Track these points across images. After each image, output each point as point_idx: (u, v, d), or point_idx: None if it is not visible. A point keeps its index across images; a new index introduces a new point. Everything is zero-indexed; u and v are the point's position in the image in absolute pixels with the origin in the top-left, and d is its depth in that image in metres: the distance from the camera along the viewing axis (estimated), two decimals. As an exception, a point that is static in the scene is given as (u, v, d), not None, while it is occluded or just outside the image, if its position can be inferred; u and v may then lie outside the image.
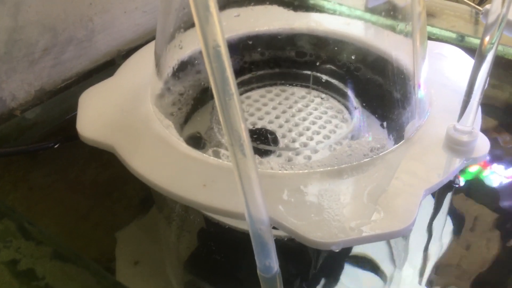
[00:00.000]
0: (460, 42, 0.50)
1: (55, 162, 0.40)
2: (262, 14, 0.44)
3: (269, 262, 0.25)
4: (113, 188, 0.38)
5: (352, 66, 0.41)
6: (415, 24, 0.33)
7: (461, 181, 0.38)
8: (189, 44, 0.38)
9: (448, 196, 0.37)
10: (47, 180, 0.39)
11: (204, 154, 0.33)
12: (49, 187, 0.38)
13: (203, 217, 0.36)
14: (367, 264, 0.34)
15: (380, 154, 0.32)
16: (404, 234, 0.28)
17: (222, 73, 0.22)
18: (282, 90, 0.43)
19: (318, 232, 0.27)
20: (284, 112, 0.40)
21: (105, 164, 0.39)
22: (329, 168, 0.31)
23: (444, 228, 0.36)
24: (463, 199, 0.37)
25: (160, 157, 0.33)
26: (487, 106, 0.34)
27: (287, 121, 0.39)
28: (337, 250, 0.27)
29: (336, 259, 0.33)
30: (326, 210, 0.29)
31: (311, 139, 0.37)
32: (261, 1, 0.44)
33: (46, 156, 0.40)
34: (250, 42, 0.43)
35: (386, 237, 0.28)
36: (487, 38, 0.29)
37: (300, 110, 0.40)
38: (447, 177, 0.31)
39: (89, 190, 0.38)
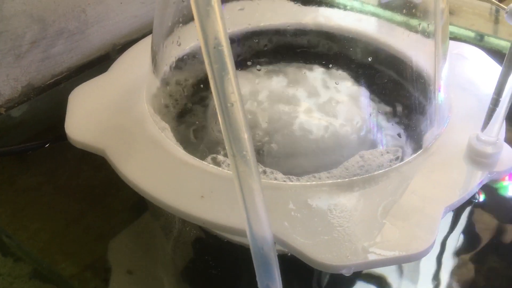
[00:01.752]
0: (479, 42, 0.47)
1: (44, 164, 0.38)
2: (268, 8, 0.42)
3: (271, 284, 0.23)
4: (105, 192, 0.37)
5: (363, 66, 0.39)
6: (437, 21, 0.30)
7: (481, 196, 0.35)
8: (188, 40, 0.36)
9: (466, 211, 0.35)
10: (35, 182, 0.37)
11: (203, 161, 0.30)
12: (37, 190, 0.36)
13: (200, 227, 0.33)
14: (375, 280, 0.31)
15: (395, 165, 0.30)
16: (423, 257, 0.26)
17: (224, 76, 0.19)
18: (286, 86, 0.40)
19: (327, 253, 0.25)
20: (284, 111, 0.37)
21: (98, 166, 0.38)
22: (339, 180, 0.29)
23: (461, 246, 0.33)
24: (482, 215, 0.35)
25: (155, 163, 0.31)
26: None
27: (288, 122, 0.36)
28: (348, 275, 0.25)
29: (342, 276, 0.31)
30: (336, 228, 0.26)
31: (316, 144, 0.34)
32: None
33: (33, 157, 0.39)
34: (254, 38, 0.40)
35: (403, 261, 0.26)
36: (519, 41, 0.27)
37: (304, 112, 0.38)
38: (469, 192, 0.29)
39: (80, 193, 0.37)
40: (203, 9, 0.18)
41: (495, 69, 0.38)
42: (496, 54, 0.39)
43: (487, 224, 0.34)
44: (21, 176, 0.37)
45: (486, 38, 0.47)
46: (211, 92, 0.19)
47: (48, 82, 0.42)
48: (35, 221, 0.34)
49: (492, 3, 0.50)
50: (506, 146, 0.31)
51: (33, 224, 0.34)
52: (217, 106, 0.20)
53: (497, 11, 0.50)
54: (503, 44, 0.46)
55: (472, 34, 0.48)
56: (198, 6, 0.18)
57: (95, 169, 0.38)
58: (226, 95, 0.19)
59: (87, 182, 0.37)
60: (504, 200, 0.36)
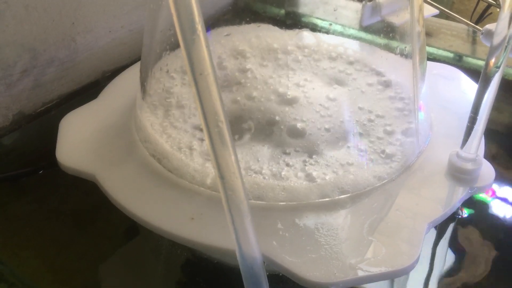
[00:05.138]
0: (458, 62, 0.48)
1: (35, 190, 0.38)
2: (253, 33, 0.43)
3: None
4: (96, 217, 0.37)
5: (346, 86, 0.40)
6: (414, 44, 0.32)
7: (464, 212, 0.36)
8: (176, 67, 0.37)
9: (451, 227, 0.35)
10: (26, 209, 0.37)
11: (192, 184, 0.31)
12: (28, 217, 0.36)
13: (191, 250, 0.34)
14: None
15: (380, 183, 0.31)
16: (408, 272, 0.26)
17: (211, 102, 0.20)
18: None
19: (315, 271, 0.26)
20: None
21: (88, 191, 0.38)
22: (326, 199, 0.30)
23: (446, 262, 0.34)
24: (467, 231, 0.35)
25: (145, 187, 0.31)
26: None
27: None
28: (335, 292, 0.25)
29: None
30: (323, 246, 0.27)
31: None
32: (253, 20, 0.42)
33: (25, 184, 0.39)
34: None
35: (389, 276, 0.26)
36: (492, 61, 0.28)
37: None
38: (451, 208, 0.30)
39: (71, 219, 0.36)
40: (189, 37, 0.19)
41: (473, 88, 0.39)
42: (475, 73, 0.40)
43: (470, 240, 0.35)
44: (12, 204, 0.37)
45: (464, 58, 0.49)
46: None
47: (39, 110, 0.42)
48: (25, 248, 0.34)
49: (468, 24, 0.52)
50: (485, 162, 0.32)
51: (24, 251, 0.34)
52: (204, 130, 0.20)
53: (474, 32, 0.51)
54: (480, 64, 0.48)
55: (450, 55, 0.49)
56: (184, 34, 0.19)
57: (85, 194, 0.38)
58: (213, 118, 0.20)
59: (77, 207, 0.37)
60: (487, 215, 0.37)
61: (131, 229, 0.36)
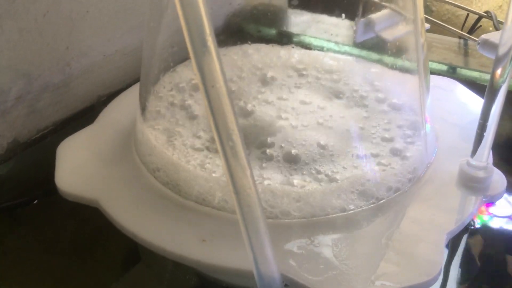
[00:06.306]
0: (452, 74, 0.49)
1: (31, 221, 0.37)
2: (248, 53, 0.43)
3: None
4: (95, 246, 0.35)
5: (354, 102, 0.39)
6: (419, 56, 0.32)
7: (477, 223, 0.35)
8: (177, 81, 0.36)
9: (464, 239, 0.35)
10: (22, 241, 0.36)
11: (199, 205, 0.30)
12: (24, 248, 0.35)
13: (197, 275, 0.32)
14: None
15: (392, 196, 0.30)
16: (432, 284, 0.25)
17: (223, 115, 0.19)
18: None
19: (338, 288, 0.25)
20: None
21: (86, 219, 0.37)
22: (339, 214, 0.29)
23: (459, 275, 0.33)
24: (479, 242, 0.35)
25: (151, 210, 0.30)
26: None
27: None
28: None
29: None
30: (342, 262, 0.26)
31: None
32: (247, 40, 0.42)
33: (21, 215, 0.37)
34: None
35: (414, 291, 0.25)
36: (498, 72, 0.28)
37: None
38: (467, 217, 0.29)
39: (69, 249, 0.35)
40: (200, 50, 0.18)
41: (472, 98, 0.40)
42: (470, 84, 0.41)
43: (484, 251, 0.34)
44: (8, 235, 0.36)
45: (458, 70, 0.49)
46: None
47: (34, 137, 0.41)
48: (22, 283, 0.33)
49: (463, 35, 0.53)
50: (496, 170, 0.31)
51: (20, 286, 0.32)
52: (217, 143, 0.20)
53: (466, 44, 0.52)
54: (475, 74, 0.49)
55: (445, 68, 0.50)
56: (195, 47, 0.18)
57: (83, 223, 0.36)
58: (226, 132, 0.19)
59: (75, 237, 0.36)
60: (498, 226, 0.36)
61: (131, 257, 0.35)
